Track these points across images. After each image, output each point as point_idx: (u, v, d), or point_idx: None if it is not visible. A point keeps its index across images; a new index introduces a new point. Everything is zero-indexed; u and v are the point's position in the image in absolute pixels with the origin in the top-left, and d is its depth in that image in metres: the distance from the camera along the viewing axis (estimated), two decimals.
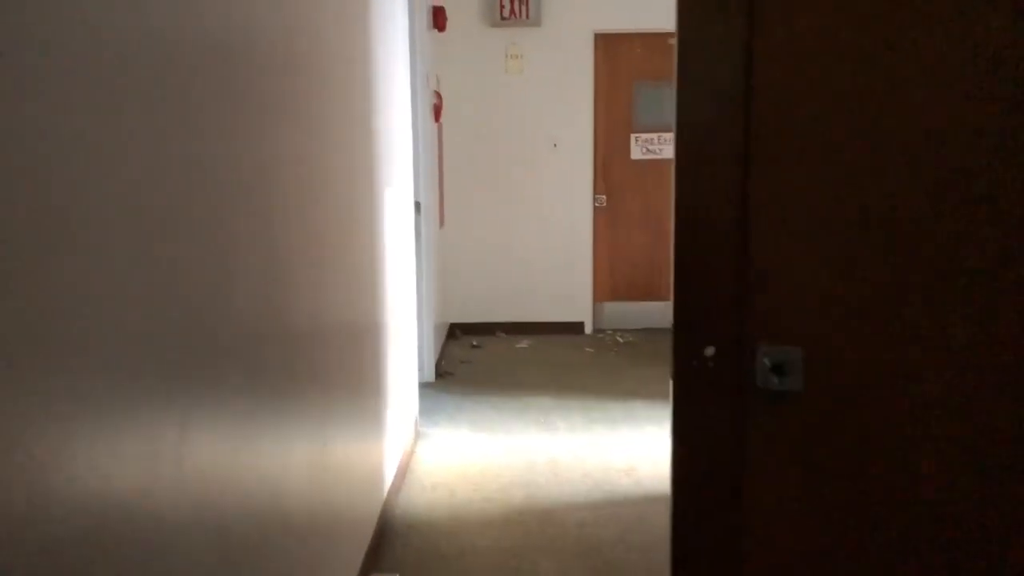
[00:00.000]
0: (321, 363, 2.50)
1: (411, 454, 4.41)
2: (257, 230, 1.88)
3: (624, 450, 4.45)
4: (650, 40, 6.94)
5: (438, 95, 6.15)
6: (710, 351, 1.47)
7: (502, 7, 6.86)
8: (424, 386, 5.47)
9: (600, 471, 4.18)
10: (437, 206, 6.19)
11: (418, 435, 4.71)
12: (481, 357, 6.46)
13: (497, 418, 5.00)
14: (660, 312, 7.27)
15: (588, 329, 7.21)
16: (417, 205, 5.49)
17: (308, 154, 2.37)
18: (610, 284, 7.26)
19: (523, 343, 6.82)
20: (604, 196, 7.15)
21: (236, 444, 1.74)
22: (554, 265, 7.13)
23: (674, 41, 1.52)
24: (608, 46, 7.01)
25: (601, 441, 4.60)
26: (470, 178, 7.03)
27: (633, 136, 7.10)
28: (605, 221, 7.19)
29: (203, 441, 1.54)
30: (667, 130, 7.08)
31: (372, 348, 3.40)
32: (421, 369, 5.51)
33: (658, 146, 7.08)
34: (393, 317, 3.91)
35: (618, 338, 6.99)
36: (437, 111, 6.03)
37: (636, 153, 7.12)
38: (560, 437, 4.67)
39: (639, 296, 7.28)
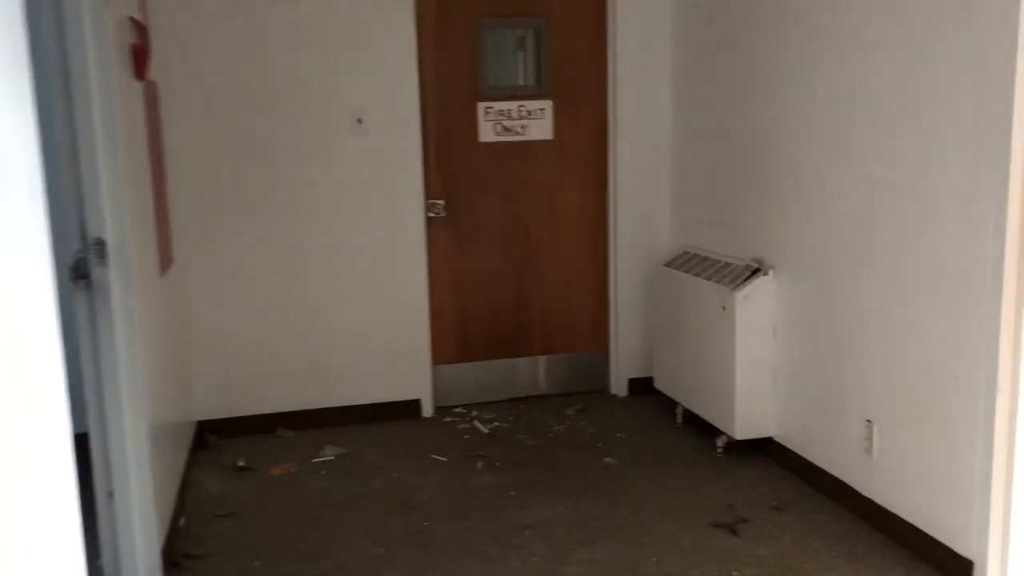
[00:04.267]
0: None
1: None
2: None
3: None
4: None
5: (138, 28, 3.30)
6: None
7: None
8: None
9: None
10: (153, 239, 3.35)
11: None
12: (251, 496, 3.70)
13: None
14: (531, 374, 4.79)
15: (427, 410, 4.61)
16: (98, 245, 2.69)
17: None
18: (456, 338, 4.70)
19: (326, 452, 4.12)
20: (442, 201, 4.56)
21: None
22: (366, 315, 4.47)
23: None
24: None
25: None
26: (218, 185, 4.22)
27: (481, 107, 4.55)
28: (445, 239, 4.61)
29: None
30: (532, 95, 4.58)
31: None
32: (117, 564, 2.73)
33: (519, 121, 4.58)
34: None
35: (478, 425, 4.44)
36: (139, 58, 3.19)
37: (487, 133, 4.58)
38: None
39: (503, 352, 4.77)
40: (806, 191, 3.52)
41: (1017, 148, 2.51)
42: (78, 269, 2.68)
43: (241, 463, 3.97)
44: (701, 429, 4.18)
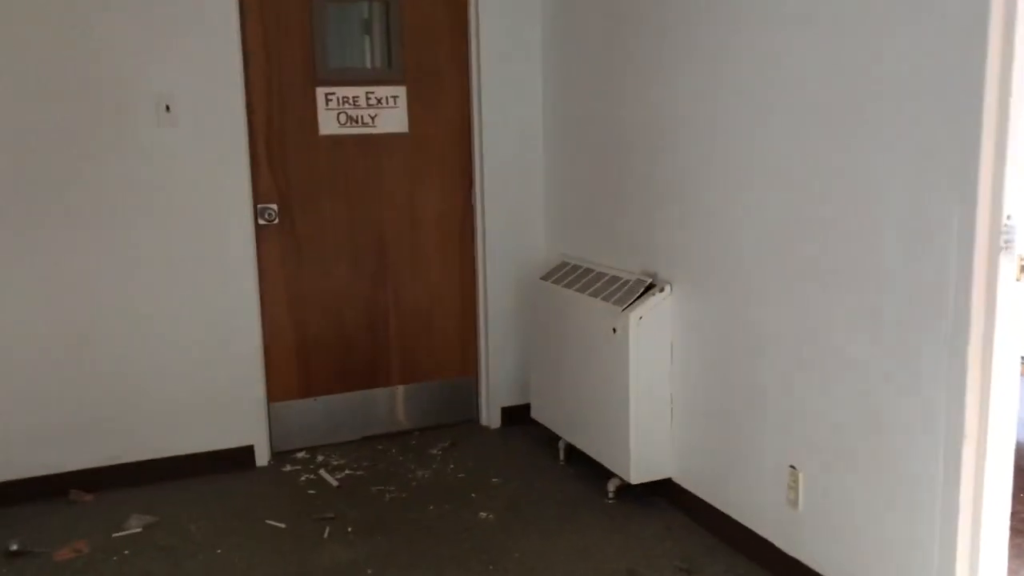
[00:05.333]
0: None
1: None
2: None
3: None
4: None
5: None
6: None
7: None
8: None
9: None
10: None
11: None
12: None
13: None
14: (389, 407, 4.10)
15: (262, 458, 3.83)
16: None
17: None
18: (297, 369, 3.94)
19: (131, 523, 3.28)
20: (274, 206, 3.79)
21: None
22: (181, 346, 3.64)
23: None
24: None
25: None
26: None
27: (321, 93, 3.80)
28: (280, 251, 3.84)
29: None
30: (382, 80, 3.88)
31: None
32: None
33: (367, 110, 3.87)
34: None
35: (325, 475, 3.70)
36: None
37: (329, 123, 3.83)
38: None
39: (354, 383, 4.04)
40: (711, 194, 2.98)
41: (987, 142, 2.03)
42: None
43: (14, 547, 3.08)
44: (589, 469, 3.60)
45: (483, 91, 3.95)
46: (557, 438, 3.79)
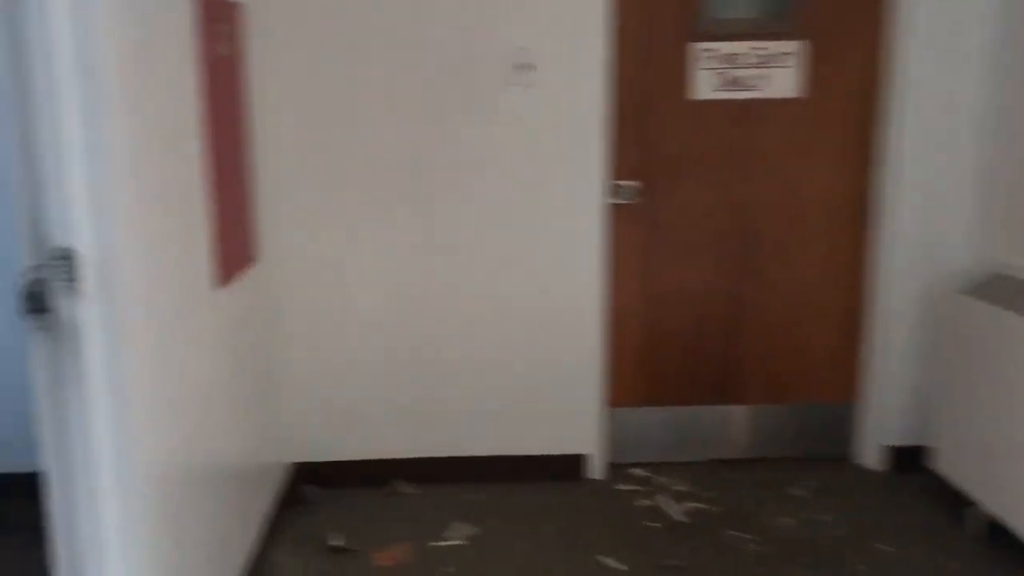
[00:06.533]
0: None
1: None
2: None
3: None
4: None
5: None
6: None
7: None
8: None
9: None
10: (204, 242, 2.22)
11: None
12: None
13: None
14: (744, 429, 3.43)
15: (596, 470, 3.35)
16: (64, 259, 1.59)
17: None
18: (642, 373, 3.39)
19: (452, 533, 2.94)
20: (631, 182, 3.24)
21: None
22: (515, 336, 3.23)
23: None
24: None
25: None
26: (322, 155, 3.06)
27: (697, 49, 3.17)
28: (634, 236, 3.29)
29: None
30: (774, 34, 3.16)
31: None
32: None
33: (754, 70, 3.17)
34: None
35: (666, 504, 3.13)
36: None
37: (704, 87, 3.20)
38: None
39: (706, 397, 3.43)
40: None
41: None
42: (34, 299, 1.58)
43: (337, 542, 2.85)
44: (1019, 554, 2.70)
45: (909, 48, 3.09)
46: (967, 502, 2.92)
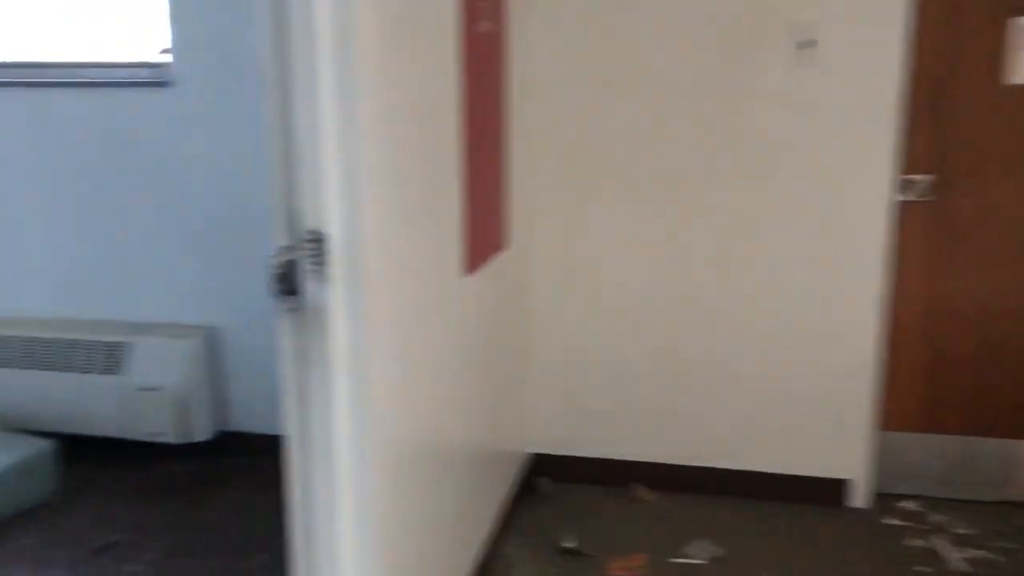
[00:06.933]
0: None
1: None
2: None
3: None
4: None
5: None
6: None
7: None
8: None
9: None
10: (455, 226, 2.15)
11: None
12: None
13: None
14: None
15: (859, 498, 2.99)
16: (315, 242, 1.55)
17: None
18: (922, 394, 2.98)
19: (693, 550, 2.72)
20: (926, 177, 2.83)
21: None
22: (774, 342, 2.93)
23: None
24: None
25: None
26: (583, 136, 2.92)
27: (1020, 24, 2.69)
28: (926, 238, 2.88)
29: None
30: None
31: None
32: None
33: None
34: None
35: (942, 546, 2.73)
36: None
37: (1023, 69, 2.72)
38: None
39: (998, 427, 2.96)
40: None
41: None
42: (284, 280, 1.56)
43: (570, 544, 2.74)
44: None
45: None
46: None
